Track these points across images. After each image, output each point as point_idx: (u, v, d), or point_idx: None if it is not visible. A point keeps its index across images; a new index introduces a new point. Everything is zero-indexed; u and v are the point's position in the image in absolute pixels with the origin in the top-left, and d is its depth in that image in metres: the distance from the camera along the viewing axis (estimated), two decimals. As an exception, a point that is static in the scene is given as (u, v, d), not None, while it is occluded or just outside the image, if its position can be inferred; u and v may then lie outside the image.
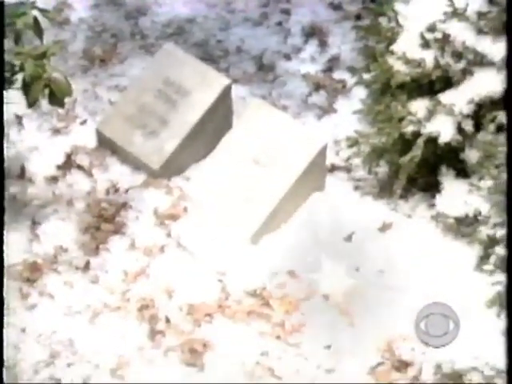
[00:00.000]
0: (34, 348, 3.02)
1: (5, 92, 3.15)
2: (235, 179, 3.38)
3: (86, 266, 3.25)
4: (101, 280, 3.21)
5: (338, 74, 3.95)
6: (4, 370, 2.93)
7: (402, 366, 2.98)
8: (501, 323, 2.98)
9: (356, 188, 3.53)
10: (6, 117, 3.50)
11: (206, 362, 2.98)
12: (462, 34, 3.22)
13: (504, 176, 2.97)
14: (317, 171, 3.44)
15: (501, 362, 2.92)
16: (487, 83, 3.17)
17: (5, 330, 3.00)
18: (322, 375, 2.95)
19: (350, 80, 3.79)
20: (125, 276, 3.21)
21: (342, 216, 3.38)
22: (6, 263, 3.18)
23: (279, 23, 4.17)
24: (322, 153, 3.42)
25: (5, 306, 3.06)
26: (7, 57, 3.08)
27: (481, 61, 3.20)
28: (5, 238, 3.24)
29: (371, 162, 3.48)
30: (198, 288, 3.17)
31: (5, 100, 3.14)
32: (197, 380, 2.95)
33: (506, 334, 2.77)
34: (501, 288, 2.97)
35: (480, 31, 3.21)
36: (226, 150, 3.48)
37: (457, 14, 3.24)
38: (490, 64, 3.19)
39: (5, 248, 3.21)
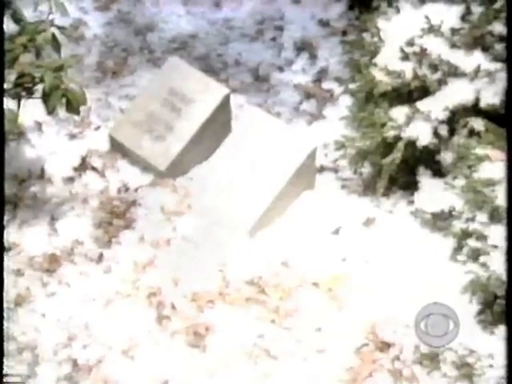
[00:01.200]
0: (53, 331, 3.03)
1: (25, 100, 3.15)
2: (234, 179, 3.37)
3: (100, 258, 3.25)
4: (113, 270, 3.22)
5: (326, 84, 3.94)
6: (23, 352, 2.96)
7: (385, 346, 2.98)
8: (472, 308, 3.01)
9: (343, 187, 3.52)
10: (27, 123, 3.56)
11: (208, 344, 2.99)
12: (437, 47, 3.23)
13: (475, 175, 2.98)
14: (307, 172, 3.44)
15: (473, 343, 2.95)
16: (460, 92, 3.18)
17: (27, 315, 3.07)
18: (313, 355, 2.95)
19: (337, 89, 3.83)
20: (135, 266, 3.22)
21: (330, 212, 3.37)
22: (28, 255, 3.24)
23: (273, 38, 4.16)
24: (312, 155, 3.42)
25: (23, 295, 3.09)
26: (29, 69, 3.09)
27: (454, 72, 3.21)
28: (26, 232, 3.31)
29: (356, 163, 3.48)
30: (200, 277, 3.17)
31: (22, 107, 3.13)
32: (200, 360, 2.95)
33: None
34: (473, 276, 2.97)
35: (453, 45, 3.23)
36: (225, 153, 3.48)
37: (433, 30, 3.26)
38: (463, 75, 3.20)
39: (27, 241, 3.28)
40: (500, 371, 2.88)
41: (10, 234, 3.28)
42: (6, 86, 3.06)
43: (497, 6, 3.26)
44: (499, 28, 3.22)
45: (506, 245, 2.78)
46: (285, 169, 3.36)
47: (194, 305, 3.10)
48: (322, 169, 3.56)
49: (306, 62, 4.04)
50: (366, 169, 3.47)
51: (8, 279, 3.11)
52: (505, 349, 2.77)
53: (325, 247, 3.26)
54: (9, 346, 2.96)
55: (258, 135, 3.44)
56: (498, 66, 3.18)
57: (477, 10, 3.29)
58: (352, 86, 3.47)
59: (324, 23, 4.19)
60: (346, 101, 3.62)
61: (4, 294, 3.06)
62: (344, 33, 4.10)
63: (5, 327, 2.98)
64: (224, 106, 3.54)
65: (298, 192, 3.42)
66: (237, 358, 2.96)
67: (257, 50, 4.09)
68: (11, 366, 2.92)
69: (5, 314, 3.03)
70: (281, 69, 4.02)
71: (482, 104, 3.17)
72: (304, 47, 4.10)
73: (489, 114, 3.17)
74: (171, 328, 3.03)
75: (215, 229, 3.32)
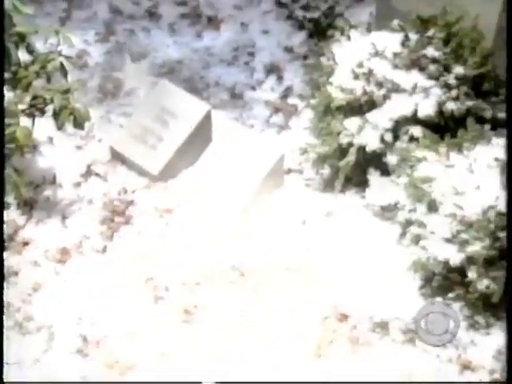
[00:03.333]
0: (66, 312, 3.03)
1: (39, 119, 3.16)
2: (216, 180, 3.36)
3: (104, 250, 3.25)
4: (115, 260, 3.22)
5: (291, 100, 3.92)
6: (42, 330, 2.94)
7: (344, 318, 3.00)
8: (415, 283, 3.03)
9: (307, 185, 3.51)
10: (40, 138, 3.53)
11: (197, 320, 3.00)
12: (382, 68, 3.25)
13: (415, 174, 2.99)
14: (277, 173, 3.44)
15: (415, 312, 2.95)
16: (401, 105, 3.19)
17: (43, 299, 3.06)
18: (285, 328, 2.97)
19: (301, 104, 3.82)
20: (134, 256, 3.21)
21: (296, 206, 3.37)
22: (43, 248, 3.23)
23: (246, 63, 4.13)
24: (281, 160, 3.43)
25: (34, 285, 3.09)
26: (41, 92, 3.09)
27: (396, 88, 3.21)
28: (41, 229, 3.30)
29: (317, 165, 3.48)
30: (189, 264, 3.17)
31: (36, 124, 3.13)
32: (190, 333, 2.97)
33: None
34: (415, 257, 2.99)
35: (395, 66, 3.25)
36: (208, 159, 3.47)
37: (378, 54, 3.28)
38: (403, 91, 3.21)
39: (42, 237, 3.27)
40: (441, 336, 2.90)
41: (28, 231, 3.28)
42: (21, 106, 3.06)
43: (429, 33, 3.29)
44: (432, 52, 3.24)
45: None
46: (258, 171, 3.36)
47: (185, 287, 3.10)
48: (289, 171, 3.55)
49: (274, 82, 4.03)
50: (326, 170, 3.46)
51: (27, 269, 3.17)
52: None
53: (294, 237, 3.26)
54: (29, 326, 2.98)
55: (235, 144, 3.44)
56: (432, 83, 3.20)
57: (413, 37, 3.30)
58: (312, 101, 3.46)
59: (289, 49, 4.17)
60: (307, 114, 3.62)
61: (22, 282, 3.11)
62: (305, 57, 4.07)
63: (23, 310, 3.02)
64: (206, 120, 3.53)
65: (270, 190, 3.41)
66: (221, 330, 2.97)
67: (233, 72, 4.07)
68: (31, 342, 2.94)
69: (24, 299, 3.07)
70: (253, 88, 4.01)
71: (420, 114, 3.16)
72: (272, 70, 4.08)
73: (425, 123, 3.17)
74: (165, 307, 3.04)
75: (201, 223, 3.31)
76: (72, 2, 4.41)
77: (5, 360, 2.61)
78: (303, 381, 2.83)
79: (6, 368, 2.58)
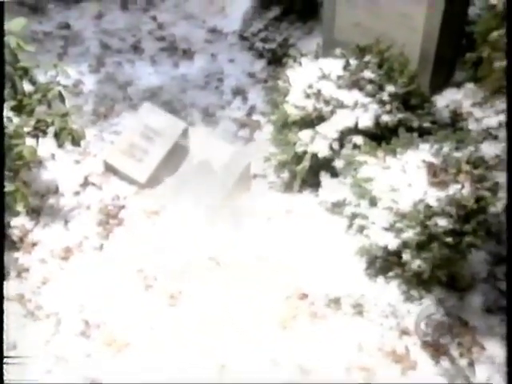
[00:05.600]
0: (70, 301, 3.01)
1: (42, 139, 3.12)
2: (194, 186, 3.36)
3: (101, 247, 3.24)
4: (111, 256, 3.21)
5: (255, 117, 3.94)
6: (50, 316, 2.91)
7: (304, 296, 3.00)
8: (361, 265, 3.05)
9: (270, 187, 3.51)
10: (44, 155, 3.49)
11: (181, 303, 3.00)
12: (328, 89, 3.26)
13: (358, 175, 2.98)
14: (245, 178, 3.46)
15: (362, 289, 2.97)
16: (345, 119, 3.21)
17: (50, 291, 3.03)
18: (255, 306, 2.97)
19: (263, 120, 3.84)
20: (126, 252, 3.20)
21: (262, 205, 3.37)
22: (49, 248, 3.19)
23: (217, 87, 4.14)
24: (248, 167, 3.46)
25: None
26: (43, 116, 3.07)
27: (341, 105, 3.23)
28: (47, 232, 3.27)
29: (278, 170, 3.49)
30: (174, 257, 3.16)
31: (40, 144, 3.10)
32: (176, 314, 2.97)
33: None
34: (361, 244, 2.99)
35: (339, 87, 3.26)
36: (186, 168, 3.47)
37: (325, 77, 3.30)
38: (346, 107, 3.22)
39: (48, 238, 3.24)
40: (383, 308, 2.94)
41: (36, 234, 3.26)
42: (27, 129, 3.03)
43: (366, 59, 3.32)
44: (368, 74, 3.26)
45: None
46: (229, 177, 3.37)
47: (170, 276, 3.09)
48: (255, 176, 3.57)
49: (240, 102, 4.05)
50: (285, 174, 3.46)
51: (36, 266, 3.15)
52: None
53: (260, 231, 3.26)
54: (39, 313, 2.97)
55: (209, 154, 3.45)
56: (370, 99, 3.22)
57: (353, 62, 3.32)
58: (272, 117, 3.46)
59: (251, 75, 4.19)
60: (269, 128, 3.63)
61: (32, 277, 3.08)
62: (265, 81, 4.09)
63: (34, 300, 3.00)
64: (184, 136, 3.53)
65: (240, 192, 3.42)
66: (202, 311, 2.97)
67: (205, 95, 4.08)
68: (42, 327, 2.91)
69: (34, 291, 3.05)
70: (223, 108, 4.02)
71: (360, 126, 3.18)
72: (238, 92, 4.10)
73: (365, 133, 3.18)
74: (154, 294, 3.04)
75: (182, 222, 3.30)
76: (68, 40, 4.39)
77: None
78: (272, 348, 2.82)
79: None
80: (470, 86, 3.67)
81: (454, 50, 3.66)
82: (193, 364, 2.78)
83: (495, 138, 3.52)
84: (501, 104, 3.57)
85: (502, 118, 3.55)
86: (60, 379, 2.76)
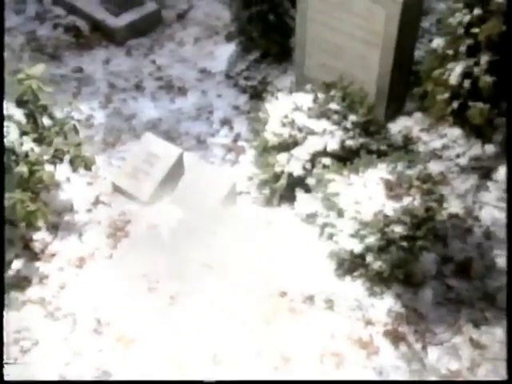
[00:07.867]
0: (84, 303, 2.97)
1: (59, 165, 3.07)
2: (188, 202, 3.33)
3: (111, 256, 3.20)
4: (119, 263, 3.16)
5: (240, 143, 3.91)
6: (68, 316, 2.88)
7: (283, 294, 2.98)
8: (332, 266, 3.02)
9: (253, 202, 3.48)
10: (61, 178, 3.40)
11: (179, 303, 2.97)
12: (301, 118, 3.26)
13: (327, 191, 2.96)
14: (232, 195, 3.43)
15: (332, 288, 2.94)
16: (316, 143, 3.20)
17: (67, 294, 2.98)
18: (243, 302, 2.95)
19: (247, 146, 3.81)
20: (132, 260, 3.14)
21: (247, 218, 3.34)
22: (66, 258, 3.12)
23: (207, 118, 4.11)
24: (234, 185, 3.42)
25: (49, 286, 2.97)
26: (60, 146, 3.01)
27: (312, 132, 3.23)
28: (65, 244, 3.20)
29: (260, 188, 3.46)
30: (173, 262, 3.08)
31: (58, 169, 3.07)
32: (175, 312, 2.94)
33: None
34: (331, 249, 2.98)
35: (310, 117, 3.26)
36: (182, 188, 3.43)
37: (297, 108, 3.29)
38: (316, 133, 3.22)
39: (65, 249, 3.17)
40: (350, 302, 2.93)
41: (54, 246, 3.20)
42: (46, 157, 2.99)
43: (332, 93, 3.32)
44: (334, 106, 3.26)
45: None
46: (218, 194, 3.35)
47: (170, 279, 3.05)
48: (240, 192, 3.54)
49: (227, 131, 4.02)
50: (266, 191, 3.43)
51: (54, 273, 3.10)
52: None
53: (246, 239, 3.21)
54: (58, 314, 2.92)
55: (201, 175, 3.43)
56: (336, 127, 3.21)
57: (321, 96, 3.32)
58: (254, 143, 3.46)
59: (236, 108, 4.16)
60: (251, 152, 3.62)
61: (52, 282, 3.02)
62: (248, 112, 4.05)
63: (53, 303, 2.95)
64: (179, 160, 3.50)
65: (227, 207, 3.39)
66: (197, 309, 2.95)
67: (198, 125, 4.05)
68: (60, 326, 2.86)
69: (54, 295, 2.99)
70: (212, 135, 3.99)
71: (328, 149, 3.19)
72: (225, 122, 4.08)
73: (332, 155, 3.19)
74: (157, 295, 3.01)
75: (180, 233, 3.26)
76: (81, 81, 4.36)
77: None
78: (257, 341, 2.81)
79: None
80: (418, 114, 3.72)
81: (404, 86, 3.71)
82: (190, 353, 2.76)
83: (440, 157, 3.56)
84: (444, 129, 3.62)
85: (446, 141, 3.59)
86: (77, 370, 2.73)
